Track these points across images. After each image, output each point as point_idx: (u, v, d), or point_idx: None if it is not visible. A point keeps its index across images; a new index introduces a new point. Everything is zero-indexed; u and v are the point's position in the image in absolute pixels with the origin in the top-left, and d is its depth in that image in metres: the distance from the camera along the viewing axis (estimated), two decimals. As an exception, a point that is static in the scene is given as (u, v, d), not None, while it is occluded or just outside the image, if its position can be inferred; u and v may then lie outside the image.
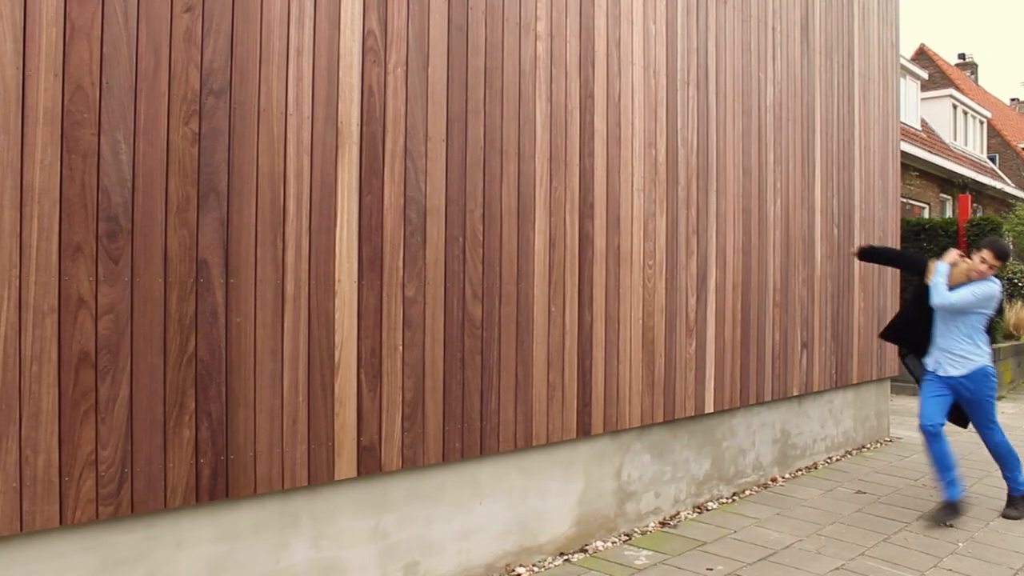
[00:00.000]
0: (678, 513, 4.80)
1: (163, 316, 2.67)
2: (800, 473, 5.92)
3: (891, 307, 7.25)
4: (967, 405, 4.85)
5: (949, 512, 4.73)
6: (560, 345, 3.98)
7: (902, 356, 5.37)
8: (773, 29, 5.63)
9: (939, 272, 4.77)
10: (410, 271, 3.36)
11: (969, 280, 4.70)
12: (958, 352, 4.80)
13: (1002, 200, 22.16)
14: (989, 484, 5.69)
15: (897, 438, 7.39)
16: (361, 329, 3.21)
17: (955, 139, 20.83)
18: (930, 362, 4.93)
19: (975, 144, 22.24)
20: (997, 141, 26.59)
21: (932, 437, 4.74)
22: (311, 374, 3.05)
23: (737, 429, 5.36)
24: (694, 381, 4.85)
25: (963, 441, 7.27)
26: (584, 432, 4.14)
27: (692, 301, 4.84)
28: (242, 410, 2.87)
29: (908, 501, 5.20)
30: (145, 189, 2.63)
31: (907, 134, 16.52)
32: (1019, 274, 13.14)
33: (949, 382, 4.82)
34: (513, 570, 3.79)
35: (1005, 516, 4.91)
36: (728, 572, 3.87)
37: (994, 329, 10.23)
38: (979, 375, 4.78)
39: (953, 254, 4.88)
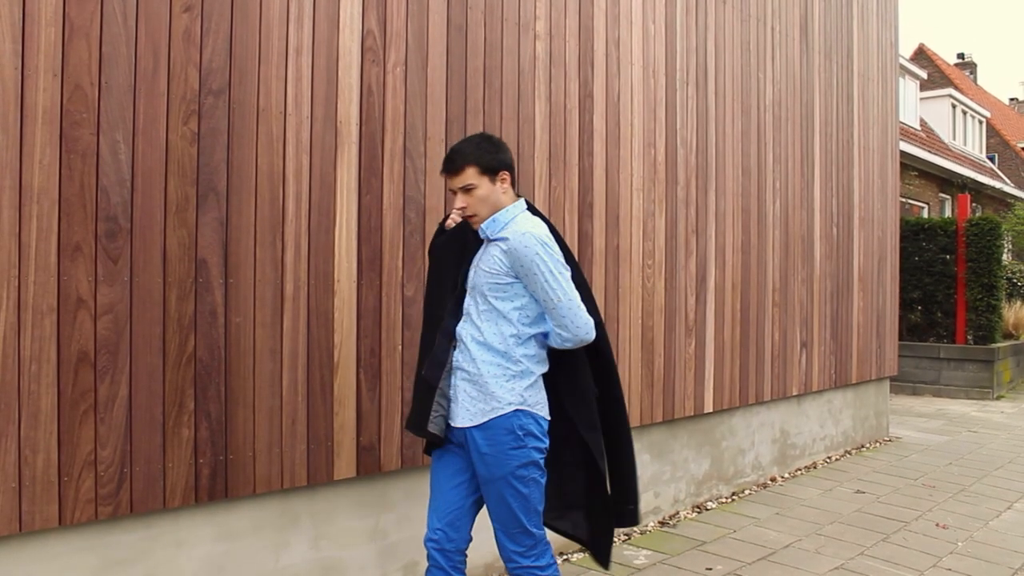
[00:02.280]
0: (677, 513, 4.80)
1: (162, 316, 2.67)
2: (799, 473, 5.92)
3: (891, 307, 7.25)
4: (490, 498, 2.55)
5: None
6: (559, 345, 3.98)
7: None
8: (772, 29, 5.63)
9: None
10: (409, 271, 3.36)
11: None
12: (472, 375, 2.54)
13: (1001, 200, 22.17)
14: (988, 484, 5.69)
15: (896, 438, 7.39)
16: (360, 329, 3.20)
17: (954, 139, 20.83)
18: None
19: (974, 144, 22.25)
20: (996, 141, 26.60)
21: (435, 570, 2.60)
22: (310, 374, 3.05)
23: (736, 429, 5.36)
24: (693, 381, 4.85)
25: (962, 441, 7.28)
26: (583, 432, 4.13)
27: (691, 301, 4.84)
28: (241, 410, 2.87)
29: (907, 501, 5.20)
30: (144, 189, 2.63)
31: (906, 134, 16.52)
32: (1019, 274, 13.15)
33: (460, 442, 2.58)
34: (512, 570, 3.79)
35: None
36: (727, 572, 3.87)
37: (993, 328, 10.22)
38: (498, 428, 2.49)
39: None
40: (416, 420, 2.62)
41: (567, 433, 2.70)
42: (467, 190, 2.54)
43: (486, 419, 2.50)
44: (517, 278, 2.51)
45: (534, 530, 2.55)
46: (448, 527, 2.59)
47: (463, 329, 2.58)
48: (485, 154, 2.53)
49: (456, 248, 2.70)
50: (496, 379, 2.51)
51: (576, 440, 2.71)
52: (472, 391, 2.53)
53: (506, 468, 2.49)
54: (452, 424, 2.56)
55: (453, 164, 2.54)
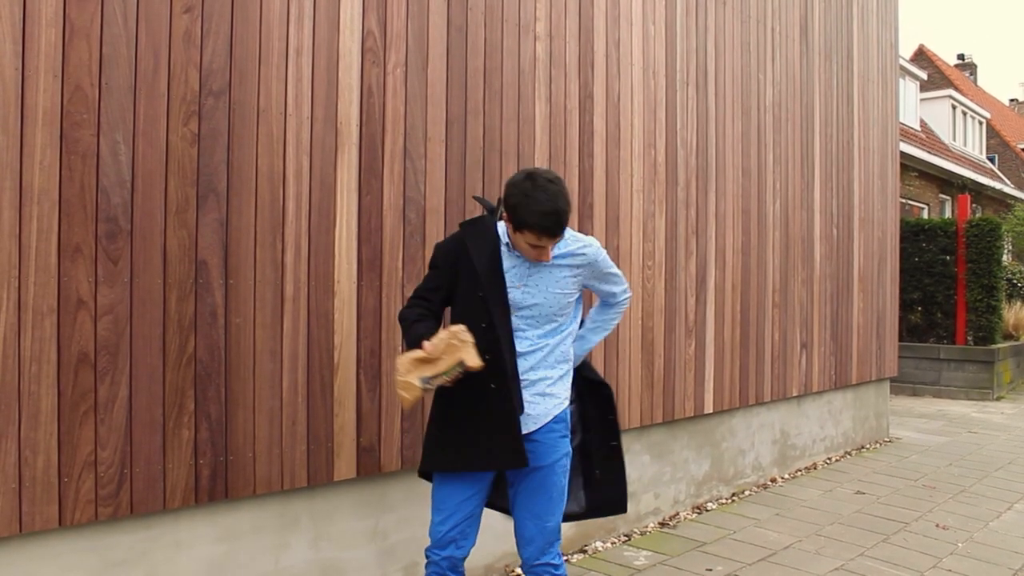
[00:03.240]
0: (677, 514, 4.80)
1: (162, 317, 2.67)
2: (799, 473, 5.92)
3: (891, 308, 7.25)
4: (529, 487, 2.59)
5: None
6: (559, 346, 3.98)
7: None
8: (772, 30, 5.64)
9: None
10: (409, 271, 3.36)
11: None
12: (543, 379, 2.60)
13: (1001, 200, 22.17)
14: (989, 484, 5.69)
15: (897, 438, 7.39)
16: (360, 330, 3.20)
17: (954, 140, 20.83)
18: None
19: (974, 145, 22.25)
20: (996, 142, 26.60)
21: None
22: (310, 375, 3.05)
23: (736, 430, 5.36)
24: (693, 381, 4.85)
25: (962, 442, 7.28)
26: (583, 433, 4.13)
27: (691, 301, 4.84)
28: (241, 411, 2.87)
29: (908, 502, 5.20)
30: (144, 190, 2.63)
31: (906, 135, 16.52)
32: (1019, 274, 13.15)
33: None
34: (512, 571, 3.79)
35: None
36: (728, 572, 3.87)
37: (993, 329, 10.21)
38: (557, 425, 2.62)
39: None
40: (520, 453, 2.52)
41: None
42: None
43: (548, 419, 2.59)
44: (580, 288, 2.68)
45: (560, 525, 2.64)
46: (460, 535, 2.58)
47: (519, 344, 2.58)
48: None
49: (497, 265, 2.58)
50: (556, 379, 2.63)
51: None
52: (530, 396, 2.58)
53: (555, 455, 2.59)
54: None
55: (561, 229, 2.45)
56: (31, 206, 2.40)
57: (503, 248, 2.58)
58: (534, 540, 2.58)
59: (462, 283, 2.59)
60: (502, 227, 2.60)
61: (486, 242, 2.58)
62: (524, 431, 2.54)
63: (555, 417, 2.60)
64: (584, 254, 2.63)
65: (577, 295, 2.67)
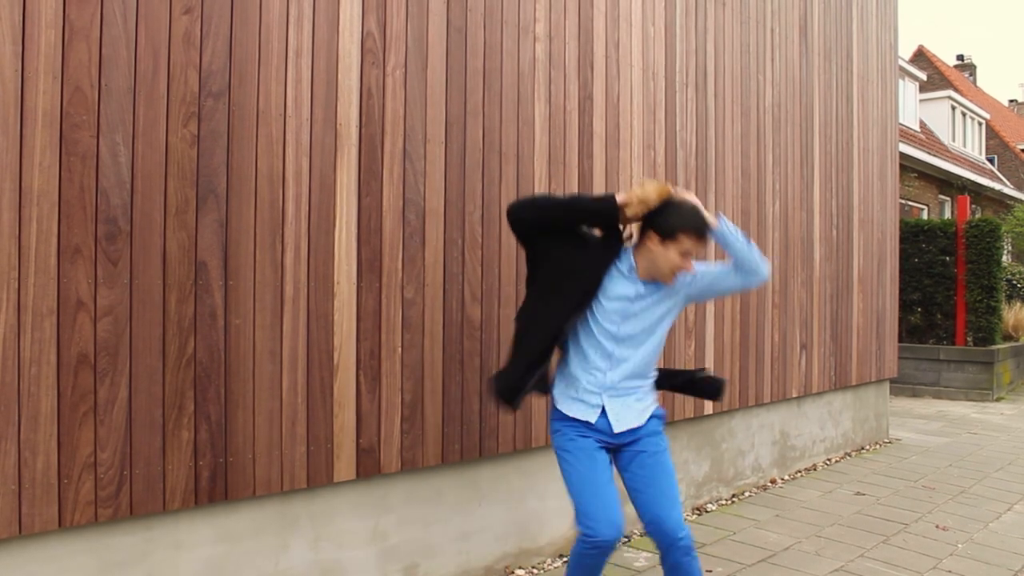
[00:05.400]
0: (677, 515, 4.79)
1: (162, 318, 2.67)
2: (799, 475, 5.92)
3: (890, 309, 7.25)
4: (649, 470, 2.75)
5: None
6: (559, 347, 3.98)
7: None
8: (772, 31, 5.64)
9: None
10: (409, 273, 3.36)
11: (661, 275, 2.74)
12: (643, 382, 2.84)
13: (1000, 201, 22.18)
14: (988, 485, 5.69)
15: (896, 439, 7.40)
16: (360, 331, 3.20)
17: (954, 140, 20.85)
18: (580, 408, 2.76)
19: (974, 145, 22.26)
20: (996, 142, 26.61)
21: (605, 551, 2.66)
22: (310, 376, 3.05)
23: (736, 430, 5.35)
24: (693, 383, 4.84)
25: (962, 442, 7.28)
26: (583, 434, 4.13)
27: (691, 303, 4.84)
28: (241, 412, 2.87)
29: (907, 503, 5.20)
30: (144, 191, 2.63)
31: (906, 135, 16.53)
32: (1018, 275, 13.16)
33: (615, 442, 2.77)
34: (512, 572, 3.79)
35: None
36: (727, 574, 3.87)
37: (992, 330, 10.22)
38: (657, 420, 2.87)
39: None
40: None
41: None
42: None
43: (652, 413, 2.90)
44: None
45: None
46: (615, 510, 2.68)
47: (634, 349, 2.86)
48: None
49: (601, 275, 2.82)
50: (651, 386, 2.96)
51: None
52: (642, 402, 2.90)
53: (666, 444, 2.88)
54: (620, 429, 2.78)
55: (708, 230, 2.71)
56: (31, 207, 2.40)
57: (617, 269, 2.75)
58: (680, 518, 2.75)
59: (561, 265, 2.73)
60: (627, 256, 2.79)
61: (607, 253, 2.76)
62: (638, 423, 2.80)
63: (657, 416, 2.87)
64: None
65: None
